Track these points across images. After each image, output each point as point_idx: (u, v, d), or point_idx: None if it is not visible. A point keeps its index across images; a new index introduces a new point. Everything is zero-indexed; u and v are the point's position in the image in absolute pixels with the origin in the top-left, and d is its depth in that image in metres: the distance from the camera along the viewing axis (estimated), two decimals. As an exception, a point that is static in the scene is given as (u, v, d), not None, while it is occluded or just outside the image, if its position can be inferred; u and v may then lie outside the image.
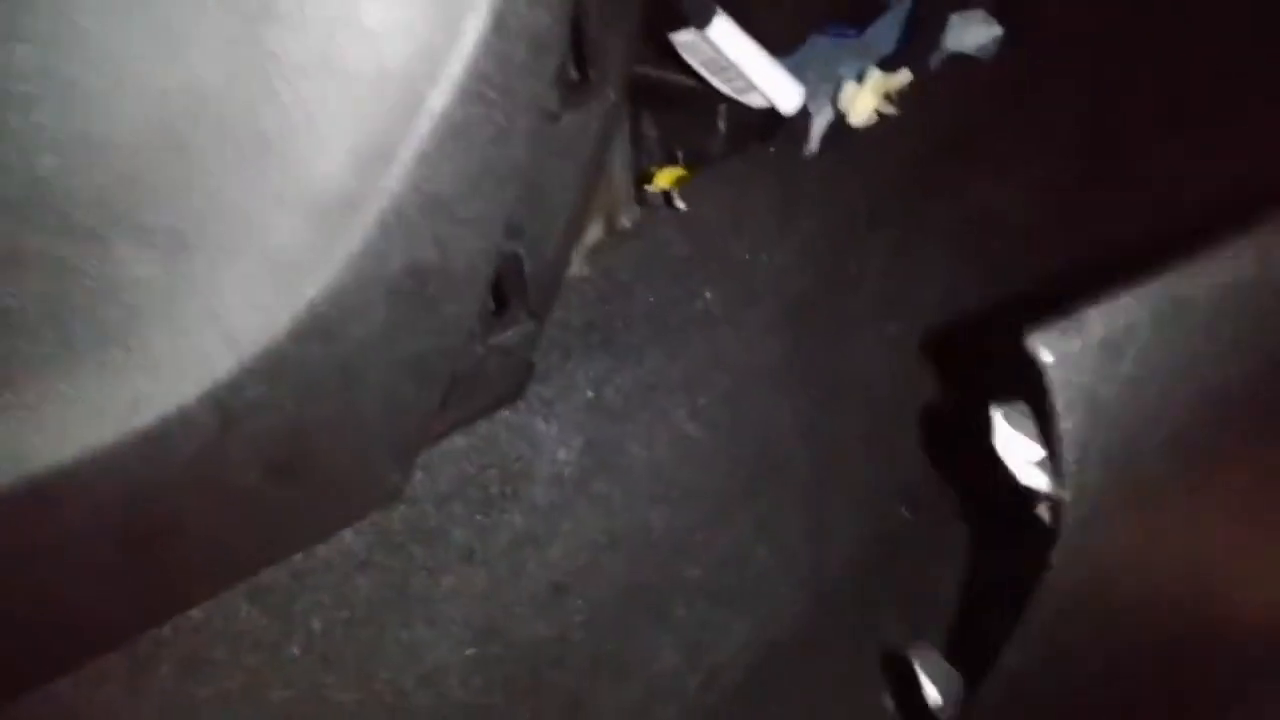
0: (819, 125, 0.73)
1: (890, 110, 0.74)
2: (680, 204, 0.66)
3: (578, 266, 0.57)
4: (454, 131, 0.37)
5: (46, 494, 0.33)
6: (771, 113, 0.68)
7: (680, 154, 0.79)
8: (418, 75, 0.34)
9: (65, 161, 0.30)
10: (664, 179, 0.74)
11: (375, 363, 0.42)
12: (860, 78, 0.74)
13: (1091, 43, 0.78)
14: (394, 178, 0.37)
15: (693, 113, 0.77)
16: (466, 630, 0.51)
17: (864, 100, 0.74)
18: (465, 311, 0.44)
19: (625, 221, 0.65)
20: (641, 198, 0.68)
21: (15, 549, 0.35)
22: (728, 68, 0.62)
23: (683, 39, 0.60)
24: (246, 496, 0.41)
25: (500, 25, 0.34)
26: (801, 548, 0.69)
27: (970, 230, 0.75)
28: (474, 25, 0.34)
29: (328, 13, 0.33)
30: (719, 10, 0.58)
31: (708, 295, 0.60)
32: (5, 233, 0.30)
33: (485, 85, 0.36)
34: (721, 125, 0.76)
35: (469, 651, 0.51)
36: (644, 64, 0.79)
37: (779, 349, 0.64)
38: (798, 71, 0.69)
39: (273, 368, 0.38)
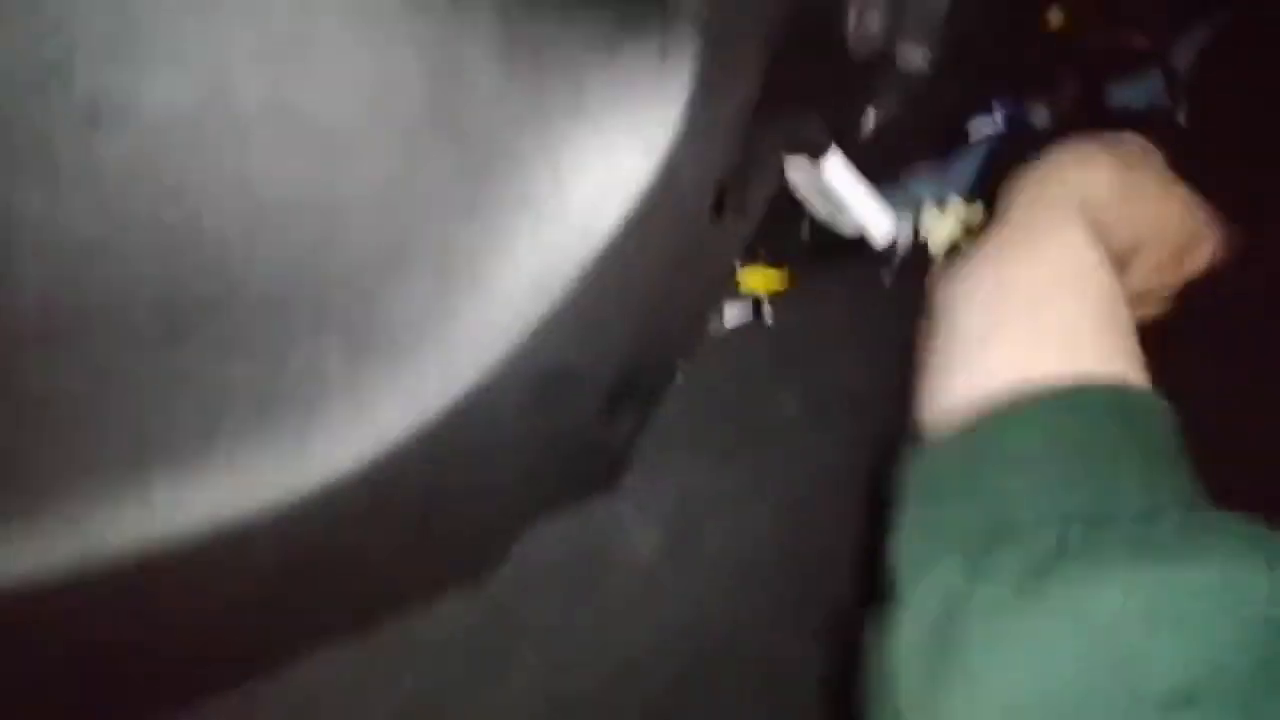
0: (900, 250, 0.77)
1: (968, 242, 0.77)
2: (769, 317, 0.70)
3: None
4: (614, 258, 0.41)
5: (228, 543, 0.37)
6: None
7: (762, 254, 0.83)
8: (593, 211, 0.38)
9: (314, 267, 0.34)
10: (754, 280, 0.77)
11: (499, 453, 0.45)
12: (941, 204, 0.77)
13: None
14: (555, 296, 0.40)
15: (778, 216, 0.81)
16: (553, 705, 0.53)
17: (944, 227, 0.77)
18: (587, 410, 0.47)
19: (715, 329, 0.68)
20: (731, 294, 0.71)
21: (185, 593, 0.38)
22: (828, 196, 0.66)
23: (799, 164, 0.64)
24: (370, 565, 0.44)
25: (670, 171, 0.38)
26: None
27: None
28: (647, 169, 0.38)
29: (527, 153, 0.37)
30: (834, 145, 0.62)
31: (790, 406, 0.63)
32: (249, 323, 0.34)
33: (648, 223, 0.40)
34: (805, 233, 0.80)
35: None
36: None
37: (852, 465, 0.67)
38: (889, 198, 0.72)
39: (411, 454, 0.42)
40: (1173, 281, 0.61)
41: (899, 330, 0.76)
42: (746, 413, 0.60)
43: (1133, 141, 0.63)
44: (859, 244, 0.78)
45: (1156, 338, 0.62)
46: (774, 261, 0.81)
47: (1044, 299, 0.48)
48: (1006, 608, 0.35)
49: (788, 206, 0.82)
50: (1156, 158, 0.62)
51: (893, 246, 0.77)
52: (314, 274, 0.36)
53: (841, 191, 0.66)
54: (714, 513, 0.58)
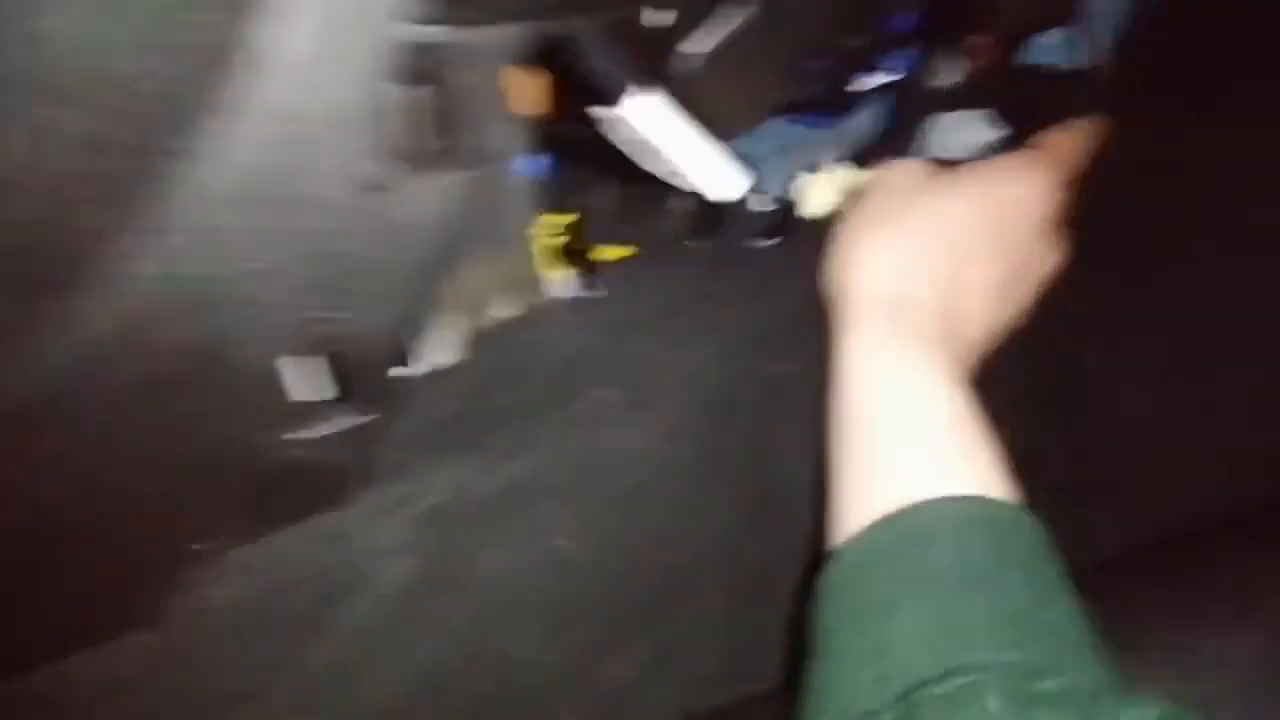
0: (769, 215, 0.68)
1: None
2: (589, 290, 0.60)
3: (450, 353, 0.50)
4: (235, 201, 0.31)
5: None
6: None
7: (629, 234, 0.74)
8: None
9: None
10: (605, 255, 0.68)
11: (132, 456, 0.35)
12: (814, 169, 0.68)
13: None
14: (151, 247, 0.31)
15: (647, 191, 0.72)
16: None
17: (818, 193, 0.68)
18: (250, 399, 0.37)
19: (534, 300, 0.59)
20: (586, 275, 0.62)
21: None
22: (651, 151, 0.56)
23: (600, 114, 0.55)
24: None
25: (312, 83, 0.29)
26: (715, 689, 0.60)
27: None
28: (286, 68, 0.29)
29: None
30: (633, 86, 0.52)
31: (600, 393, 0.53)
32: None
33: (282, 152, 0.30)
34: (674, 207, 0.71)
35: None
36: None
37: (687, 458, 0.57)
38: (752, 156, 0.63)
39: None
40: (1024, 293, 0.56)
41: (759, 305, 0.66)
42: (545, 400, 0.50)
43: (884, 177, 0.59)
44: (728, 212, 0.70)
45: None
46: (639, 243, 0.72)
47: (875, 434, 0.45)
48: None
49: (655, 181, 0.73)
50: (913, 172, 0.58)
51: (761, 209, 0.68)
52: None
53: (654, 139, 0.56)
54: (494, 526, 0.48)
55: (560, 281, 0.62)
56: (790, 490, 0.62)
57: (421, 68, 0.35)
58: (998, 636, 0.35)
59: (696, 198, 0.65)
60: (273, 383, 0.37)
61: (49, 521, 0.35)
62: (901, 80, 0.73)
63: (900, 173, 0.57)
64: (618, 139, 0.57)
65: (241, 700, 0.42)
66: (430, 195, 0.38)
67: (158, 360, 0.33)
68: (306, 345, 0.38)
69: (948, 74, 0.77)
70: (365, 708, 0.45)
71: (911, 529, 0.39)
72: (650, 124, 0.54)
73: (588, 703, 0.53)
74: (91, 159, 0.28)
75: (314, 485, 0.42)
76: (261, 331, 0.35)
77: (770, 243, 0.68)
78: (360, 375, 0.40)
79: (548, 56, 0.48)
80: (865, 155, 0.72)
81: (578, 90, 0.54)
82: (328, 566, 0.44)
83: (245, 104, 0.30)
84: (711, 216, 0.68)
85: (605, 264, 0.63)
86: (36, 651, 0.37)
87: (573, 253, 0.64)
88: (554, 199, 0.59)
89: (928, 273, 0.50)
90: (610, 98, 0.52)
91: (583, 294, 0.61)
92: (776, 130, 0.71)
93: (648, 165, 0.60)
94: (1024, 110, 0.75)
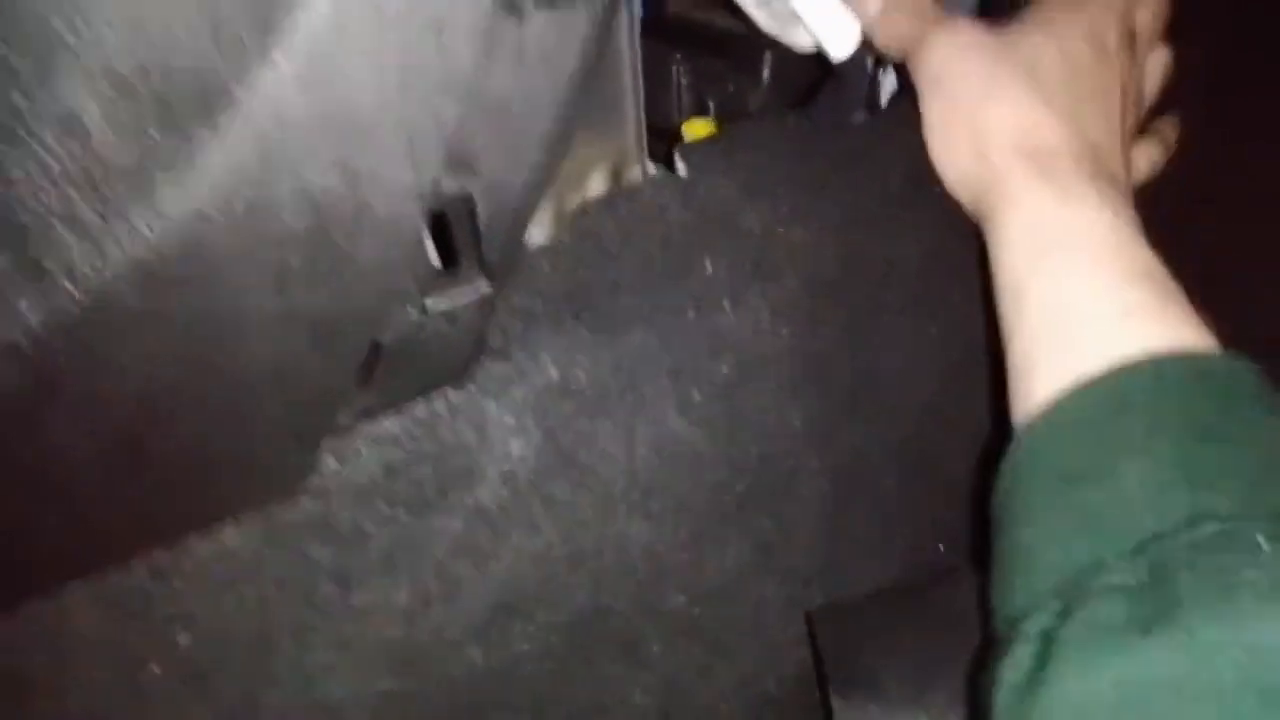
0: (886, 86, 0.63)
1: None
2: (681, 168, 0.57)
3: (556, 228, 0.47)
4: (360, 16, 0.28)
5: None
6: (824, 66, 0.58)
7: (713, 105, 0.70)
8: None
9: None
10: (693, 131, 0.64)
11: (261, 317, 0.33)
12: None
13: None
14: (275, 69, 0.28)
15: (733, 60, 0.67)
16: (381, 657, 0.41)
17: None
18: (388, 263, 0.34)
19: (631, 179, 0.56)
20: (665, 155, 0.59)
21: None
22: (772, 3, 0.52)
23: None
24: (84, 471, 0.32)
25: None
26: (811, 581, 0.59)
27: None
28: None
29: None
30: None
31: (709, 269, 0.50)
32: None
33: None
34: (765, 75, 0.67)
35: (383, 685, 0.42)
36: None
37: (790, 339, 0.54)
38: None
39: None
40: (1134, 113, 0.53)
41: (866, 184, 0.63)
42: (650, 279, 0.47)
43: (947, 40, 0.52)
44: (826, 81, 0.65)
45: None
46: (725, 116, 0.68)
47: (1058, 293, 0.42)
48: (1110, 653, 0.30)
49: (743, 48, 0.69)
50: (976, 31, 0.52)
51: (865, 79, 0.64)
52: None
53: (784, -9, 0.52)
54: (606, 406, 0.46)
55: (647, 159, 0.58)
56: (889, 380, 0.60)
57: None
58: (1245, 483, 0.33)
59: (799, 65, 0.61)
60: (411, 242, 0.34)
61: (185, 388, 0.33)
62: None
63: (963, 33, 0.52)
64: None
65: (375, 571, 0.41)
66: (564, 30, 0.35)
67: (289, 210, 0.30)
68: (440, 201, 0.35)
69: None
70: (493, 586, 0.44)
71: (1118, 390, 0.36)
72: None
73: (698, 591, 0.52)
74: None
75: (438, 357, 0.40)
76: (400, 179, 0.32)
77: (861, 117, 0.65)
78: (490, 240, 0.37)
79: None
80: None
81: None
82: (450, 443, 0.42)
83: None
84: (816, 86, 0.64)
85: (691, 141, 0.60)
86: (176, 525, 0.35)
87: (658, 129, 0.61)
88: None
89: (1053, 118, 0.46)
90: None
91: (672, 172, 0.58)
92: None
93: (759, 16, 0.56)
94: None
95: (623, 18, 0.45)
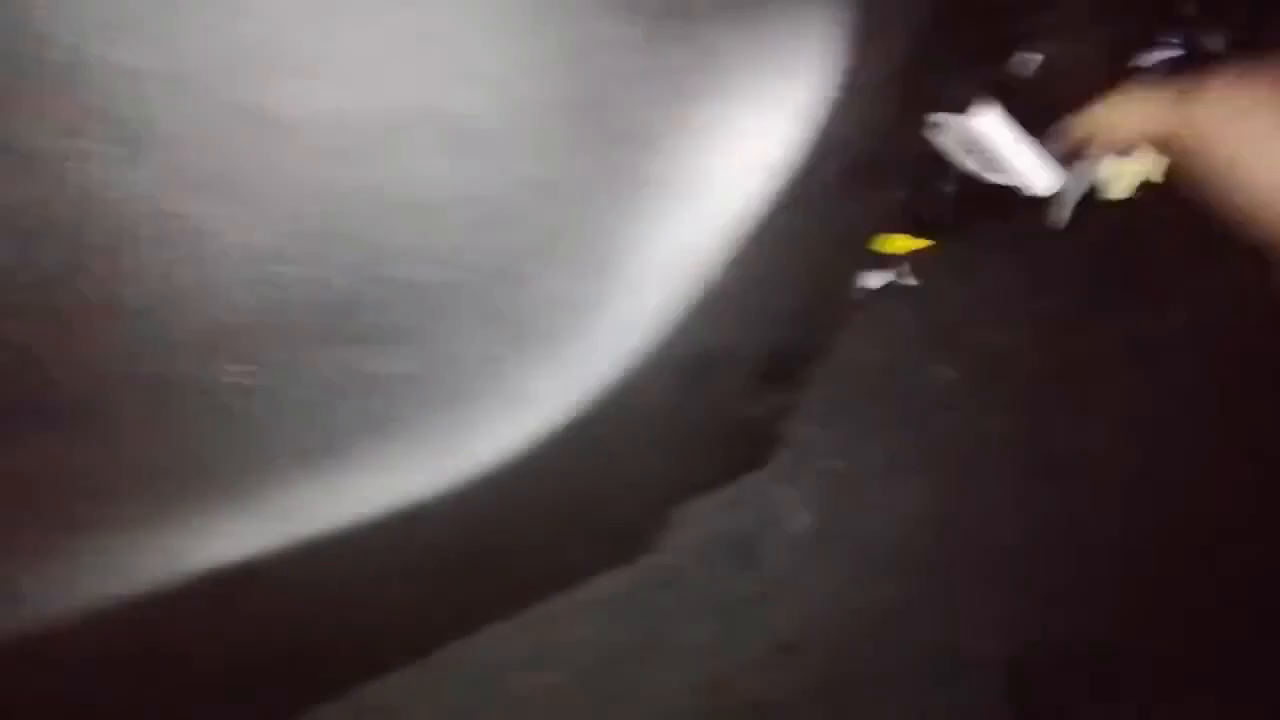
0: (1070, 198, 0.72)
1: (1150, 187, 0.71)
2: (911, 279, 0.67)
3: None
4: (758, 235, 0.40)
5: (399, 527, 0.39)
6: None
7: (905, 218, 0.79)
8: (734, 189, 0.37)
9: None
10: (896, 245, 0.73)
11: (651, 435, 0.45)
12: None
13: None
14: (702, 277, 0.40)
15: (920, 175, 0.77)
16: (700, 678, 0.53)
17: (1127, 173, 0.72)
18: (737, 390, 0.47)
19: (860, 291, 0.66)
20: (898, 264, 0.68)
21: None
22: (981, 151, 0.62)
23: (947, 121, 0.61)
24: (530, 547, 0.46)
25: (820, 144, 0.37)
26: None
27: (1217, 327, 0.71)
28: (788, 144, 0.37)
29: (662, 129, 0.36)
30: (980, 98, 0.58)
31: (937, 377, 0.60)
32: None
33: (791, 198, 0.38)
34: (950, 191, 0.76)
35: (699, 701, 0.54)
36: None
37: (1015, 430, 0.64)
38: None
39: (567, 437, 0.42)
40: None
41: (1054, 285, 0.71)
42: (896, 383, 0.58)
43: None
44: (1009, 197, 0.74)
45: None
46: (918, 225, 0.78)
47: None
48: None
49: (932, 166, 0.78)
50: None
51: (1055, 195, 0.72)
52: (465, 266, 0.37)
53: (998, 146, 0.62)
54: (868, 490, 0.56)
55: (875, 272, 0.69)
56: (1095, 466, 0.68)
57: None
58: None
59: (1003, 189, 0.70)
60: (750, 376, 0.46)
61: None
62: (1184, 46, 0.75)
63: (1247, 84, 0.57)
64: (948, 141, 0.64)
65: (702, 616, 0.53)
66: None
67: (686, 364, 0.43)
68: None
69: (1214, 41, 0.78)
70: (780, 629, 0.55)
71: None
72: (993, 132, 0.60)
73: (939, 643, 0.62)
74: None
75: (752, 451, 0.52)
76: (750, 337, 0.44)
77: (1064, 225, 0.73)
78: (802, 358, 0.49)
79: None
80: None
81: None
82: (752, 516, 0.54)
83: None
84: (1000, 199, 0.73)
85: (910, 254, 0.70)
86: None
87: (881, 246, 0.71)
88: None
89: None
90: (964, 106, 0.58)
91: (898, 281, 0.68)
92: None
93: (966, 162, 0.66)
94: None
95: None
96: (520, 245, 0.37)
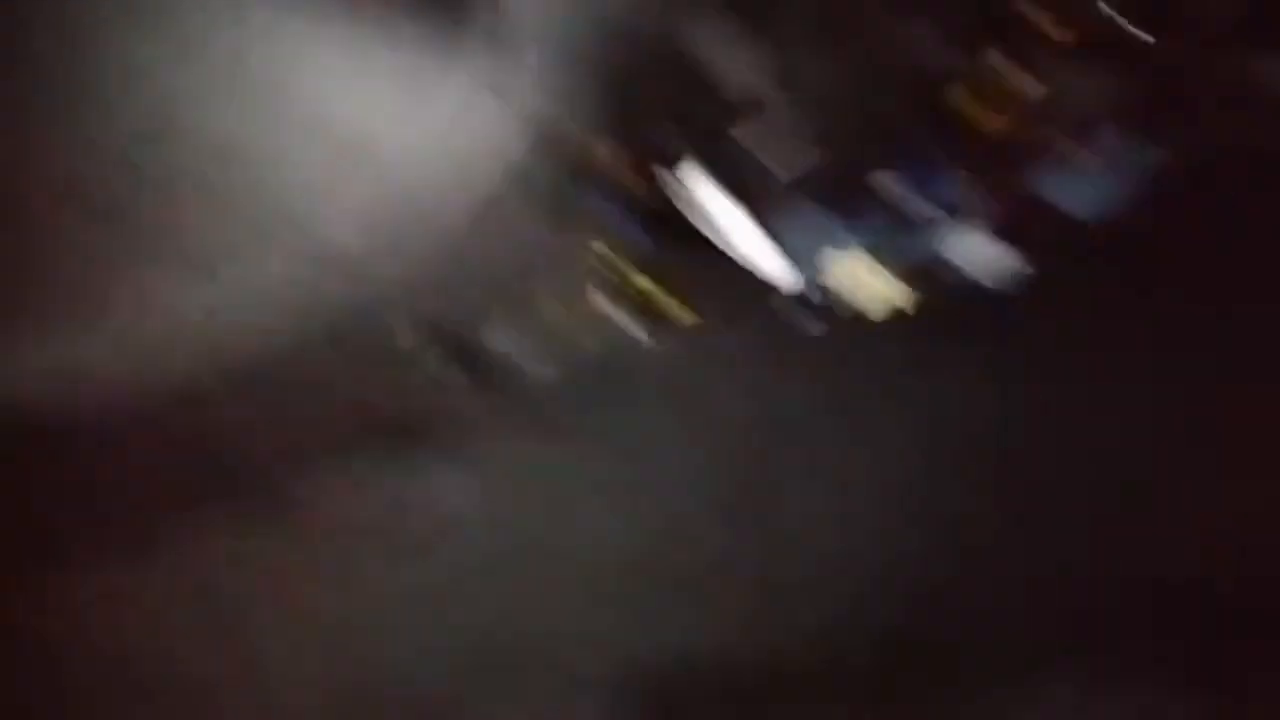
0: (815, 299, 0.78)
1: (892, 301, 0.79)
2: (659, 339, 0.72)
3: (529, 359, 0.63)
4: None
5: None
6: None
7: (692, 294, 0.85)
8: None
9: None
10: (675, 313, 0.79)
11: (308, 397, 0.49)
12: (868, 262, 0.79)
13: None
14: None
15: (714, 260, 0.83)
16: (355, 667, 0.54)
17: (867, 284, 0.79)
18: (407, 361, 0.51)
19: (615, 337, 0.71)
20: (649, 322, 0.73)
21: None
22: (710, 222, 0.70)
23: (668, 179, 0.68)
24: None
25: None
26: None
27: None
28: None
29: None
30: (691, 156, 0.66)
31: (658, 415, 0.65)
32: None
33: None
34: (738, 281, 0.82)
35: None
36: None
37: (718, 483, 0.68)
38: (796, 242, 0.76)
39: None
40: None
41: (792, 381, 0.76)
42: (610, 411, 0.63)
43: None
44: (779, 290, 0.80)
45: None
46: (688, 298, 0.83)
47: None
48: None
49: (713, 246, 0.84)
50: None
51: (808, 295, 0.79)
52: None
53: (720, 219, 0.69)
54: (558, 498, 0.60)
55: (631, 326, 0.74)
56: (792, 518, 0.71)
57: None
58: None
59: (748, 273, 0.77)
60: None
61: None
62: (930, 197, 0.84)
63: None
64: (685, 205, 0.71)
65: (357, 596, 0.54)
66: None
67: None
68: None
69: (973, 190, 0.88)
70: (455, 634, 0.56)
71: None
72: (707, 197, 0.67)
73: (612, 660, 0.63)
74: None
75: (432, 433, 0.55)
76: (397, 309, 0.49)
77: (819, 329, 0.79)
78: (464, 351, 0.54)
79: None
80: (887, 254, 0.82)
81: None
82: (430, 506, 0.56)
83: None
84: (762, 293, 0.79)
85: (674, 320, 0.75)
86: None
87: (646, 305, 0.76)
88: (642, 260, 0.72)
89: None
90: (671, 162, 0.66)
91: (649, 341, 0.73)
92: (813, 223, 0.82)
93: (711, 235, 0.73)
94: (1038, 244, 0.83)
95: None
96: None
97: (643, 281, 0.72)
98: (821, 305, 0.79)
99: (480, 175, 0.48)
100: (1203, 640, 0.63)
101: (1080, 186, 0.90)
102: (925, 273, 0.80)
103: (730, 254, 0.73)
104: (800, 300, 0.78)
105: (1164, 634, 0.64)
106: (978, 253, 0.85)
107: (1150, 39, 0.76)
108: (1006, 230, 0.83)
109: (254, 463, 0.50)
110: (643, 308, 0.72)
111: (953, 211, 0.85)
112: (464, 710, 0.56)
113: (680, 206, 0.70)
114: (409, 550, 0.57)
